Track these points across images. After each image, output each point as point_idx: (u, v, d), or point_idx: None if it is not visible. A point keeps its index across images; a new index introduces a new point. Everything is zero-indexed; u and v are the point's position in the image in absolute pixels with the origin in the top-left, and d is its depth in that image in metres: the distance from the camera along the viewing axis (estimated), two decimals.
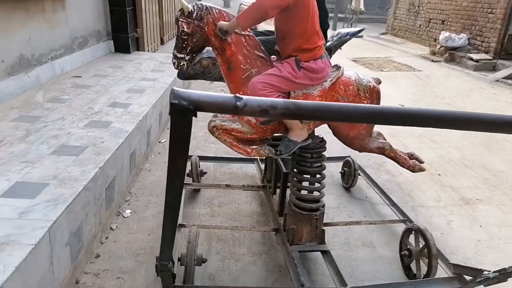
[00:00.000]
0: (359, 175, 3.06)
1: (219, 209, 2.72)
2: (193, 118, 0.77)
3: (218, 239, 2.38)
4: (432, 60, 9.16)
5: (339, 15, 16.37)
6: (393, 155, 2.16)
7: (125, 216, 2.53)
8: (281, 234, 2.25)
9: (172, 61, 2.00)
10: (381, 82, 2.13)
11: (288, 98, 1.97)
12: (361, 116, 0.78)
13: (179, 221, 2.26)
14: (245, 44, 1.97)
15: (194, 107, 0.73)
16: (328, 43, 2.63)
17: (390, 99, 5.79)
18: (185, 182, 2.74)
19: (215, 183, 2.86)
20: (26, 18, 3.33)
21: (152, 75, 4.34)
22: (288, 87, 1.96)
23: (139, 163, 3.01)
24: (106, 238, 2.31)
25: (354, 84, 2.01)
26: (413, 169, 2.16)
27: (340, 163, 3.20)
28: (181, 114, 0.75)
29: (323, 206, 2.15)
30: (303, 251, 2.10)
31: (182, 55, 1.96)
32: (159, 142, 3.71)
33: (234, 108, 0.73)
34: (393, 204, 2.66)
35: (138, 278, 2.03)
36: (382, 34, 14.43)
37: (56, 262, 1.67)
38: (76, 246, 1.89)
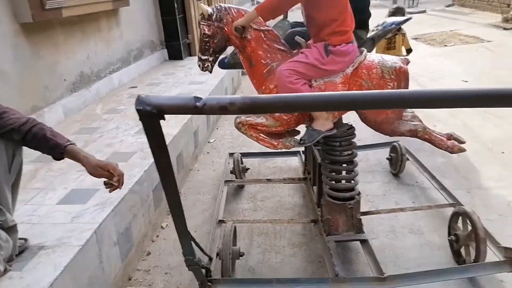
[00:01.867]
0: (408, 159, 2.93)
1: (261, 203, 2.79)
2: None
3: (260, 233, 2.45)
4: (504, 28, 8.31)
5: None
6: (428, 137, 2.05)
7: None
8: (319, 225, 2.25)
9: (198, 63, 2.11)
10: (409, 62, 2.03)
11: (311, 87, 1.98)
12: (319, 104, 0.78)
13: (220, 217, 2.38)
14: (265, 39, 2.02)
15: (157, 111, 0.80)
16: (372, 33, 2.57)
17: (452, 77, 5.39)
18: (228, 179, 2.87)
19: (257, 178, 2.93)
20: (84, 38, 3.69)
21: (200, 78, 4.55)
22: (315, 73, 1.97)
23: (187, 164, 3.20)
24: (157, 236, 2.50)
25: (378, 66, 1.94)
26: (451, 150, 2.03)
27: (388, 149, 3.09)
28: (148, 118, 0.82)
29: (359, 194, 2.11)
30: (339, 241, 2.08)
31: (206, 57, 2.06)
32: (208, 142, 3.89)
33: (195, 108, 0.79)
34: (443, 187, 2.51)
35: (184, 273, 2.17)
36: (448, 6, 13.38)
37: (106, 260, 1.86)
38: (126, 245, 2.09)
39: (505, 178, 2.83)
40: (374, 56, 2.01)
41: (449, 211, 2.35)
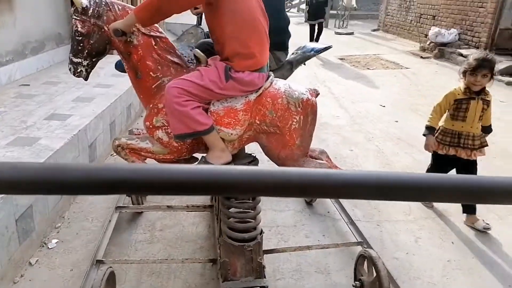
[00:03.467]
0: None
1: (160, 233, 2.44)
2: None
3: (151, 272, 2.10)
4: (422, 57, 8.87)
5: (331, 11, 16.08)
6: None
7: (50, 247, 2.24)
8: (217, 266, 1.97)
9: (68, 66, 1.73)
10: (318, 94, 1.86)
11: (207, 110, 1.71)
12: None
13: (99, 256, 1.98)
14: (155, 47, 1.70)
15: None
16: (291, 56, 2.40)
17: (371, 100, 5.52)
18: (120, 205, 2.47)
19: (155, 205, 2.57)
20: None
21: (110, 81, 4.06)
22: (210, 97, 1.70)
23: None
24: (22, 276, 2.02)
25: (284, 96, 1.73)
26: None
27: None
28: None
29: (261, 233, 1.86)
30: None
31: (79, 60, 1.68)
32: (111, 155, 3.43)
33: None
34: (351, 222, 2.39)
35: None
36: (374, 30, 14.12)
37: None
38: None
39: (414, 211, 2.81)
40: (280, 83, 1.80)
41: (357, 249, 2.23)
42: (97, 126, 3.07)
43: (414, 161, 3.57)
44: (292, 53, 2.42)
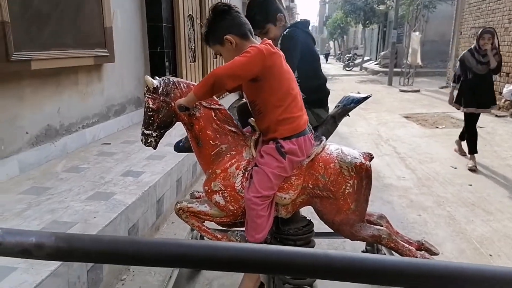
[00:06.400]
0: (384, 254, 2.63)
1: None
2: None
3: None
4: (496, 115, 8.35)
5: (395, 69, 16.05)
6: (393, 245, 1.79)
7: None
8: None
9: (140, 137, 1.91)
10: (372, 158, 1.83)
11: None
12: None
13: None
14: (215, 118, 1.84)
15: None
16: (333, 110, 2.43)
17: (441, 161, 5.24)
18: None
19: None
20: (56, 92, 3.55)
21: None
22: (280, 179, 1.77)
23: (144, 236, 2.88)
24: None
25: (336, 161, 1.74)
26: None
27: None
28: None
29: None
30: None
31: (149, 132, 1.86)
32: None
33: None
34: None
35: None
36: (442, 87, 13.74)
37: None
38: None
39: None
40: (333, 148, 1.82)
41: None
42: (166, 182, 3.27)
43: (492, 230, 3.26)
44: (335, 107, 2.44)
